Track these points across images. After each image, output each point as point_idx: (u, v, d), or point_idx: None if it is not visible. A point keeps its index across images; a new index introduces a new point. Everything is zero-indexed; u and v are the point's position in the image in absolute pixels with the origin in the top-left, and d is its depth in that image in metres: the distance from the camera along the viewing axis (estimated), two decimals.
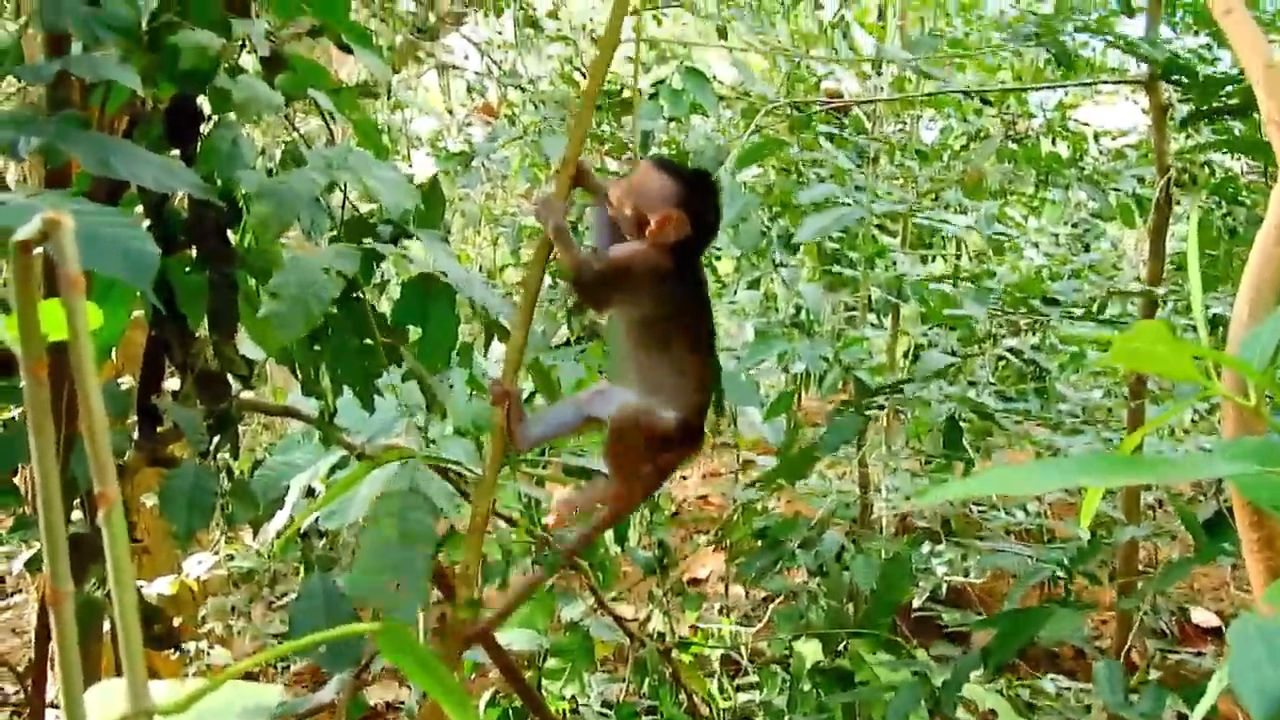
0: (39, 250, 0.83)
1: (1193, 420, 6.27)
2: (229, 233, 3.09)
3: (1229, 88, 4.71)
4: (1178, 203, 5.51)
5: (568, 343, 5.33)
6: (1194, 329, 1.64)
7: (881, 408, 5.59)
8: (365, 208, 3.43)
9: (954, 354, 5.49)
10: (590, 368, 4.77)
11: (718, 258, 6.85)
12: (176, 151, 3.03)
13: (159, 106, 3.05)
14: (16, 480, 3.40)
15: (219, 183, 2.88)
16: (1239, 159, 6.10)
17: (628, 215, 2.76)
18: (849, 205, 5.06)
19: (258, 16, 3.15)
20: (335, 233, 3.08)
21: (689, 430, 2.81)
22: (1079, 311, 5.32)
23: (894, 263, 6.08)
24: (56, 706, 3.62)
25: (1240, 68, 3.04)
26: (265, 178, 2.85)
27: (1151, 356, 1.36)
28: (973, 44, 6.61)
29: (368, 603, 2.89)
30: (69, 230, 0.83)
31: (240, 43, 3.11)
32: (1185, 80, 4.83)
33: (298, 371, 3.35)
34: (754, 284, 6.84)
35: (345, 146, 3.19)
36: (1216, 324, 4.77)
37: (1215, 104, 4.83)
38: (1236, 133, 5.41)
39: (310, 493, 4.15)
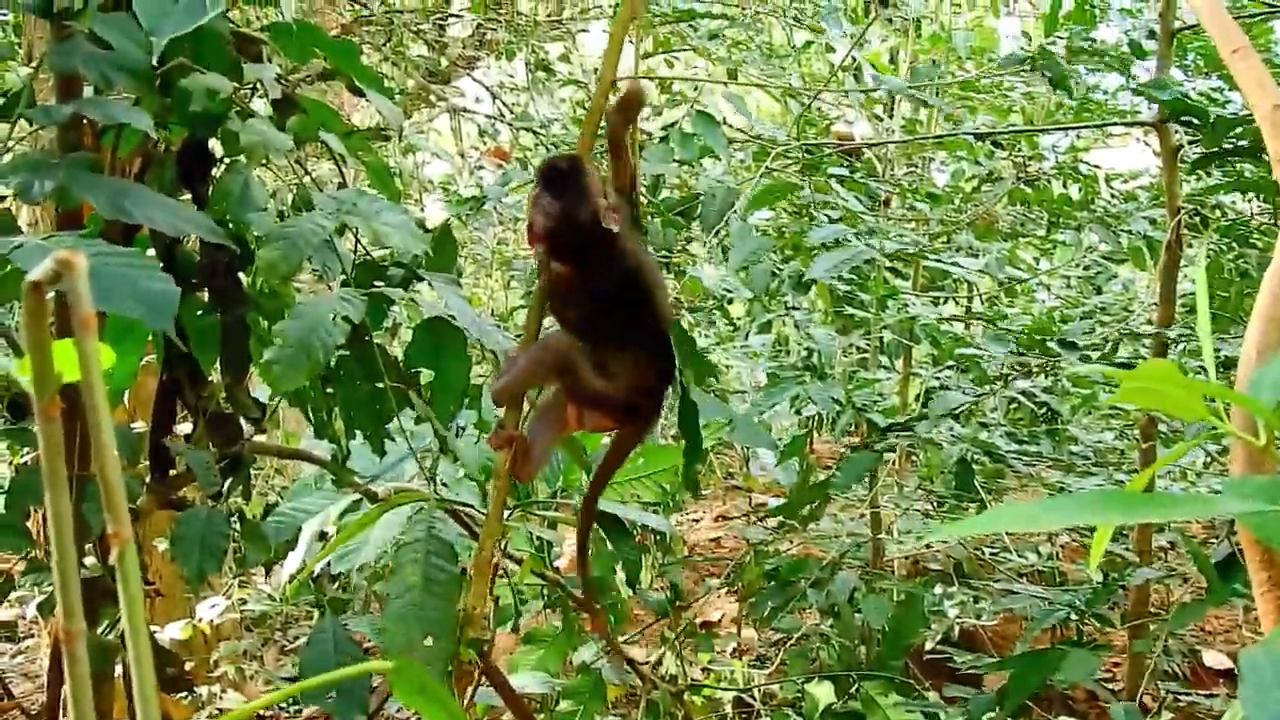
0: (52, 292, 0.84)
1: (1205, 463, 6.27)
2: (241, 275, 3.10)
3: (1239, 129, 4.72)
4: (1189, 245, 5.51)
5: None
6: (1204, 370, 1.64)
7: (893, 449, 5.59)
8: (379, 251, 3.44)
9: (965, 393, 5.49)
10: None
11: (729, 300, 6.86)
12: (188, 194, 3.04)
13: (170, 149, 3.07)
14: (29, 525, 3.40)
15: (230, 225, 2.89)
16: (1250, 200, 6.11)
17: None
18: (859, 244, 5.07)
19: (269, 60, 3.17)
20: (347, 276, 3.09)
21: (621, 406, 2.86)
22: (1094, 355, 5.32)
23: (905, 305, 6.08)
24: None
25: (1249, 109, 3.05)
26: (275, 222, 2.86)
27: (1160, 395, 1.36)
28: (985, 87, 6.62)
29: (398, 655, 2.88)
30: (82, 271, 0.83)
31: (252, 86, 3.13)
32: (1196, 122, 4.83)
33: (310, 415, 3.36)
34: (765, 327, 6.84)
35: (355, 190, 3.20)
36: (1228, 365, 4.77)
37: (1226, 145, 4.84)
38: (1247, 174, 5.42)
39: (323, 536, 4.15)
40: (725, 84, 7.23)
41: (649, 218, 5.18)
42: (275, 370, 2.66)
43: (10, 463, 5.10)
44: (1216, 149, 4.87)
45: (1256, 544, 1.75)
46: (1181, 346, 5.49)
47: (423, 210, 8.63)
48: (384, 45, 8.37)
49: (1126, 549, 5.45)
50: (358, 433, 3.25)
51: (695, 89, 6.17)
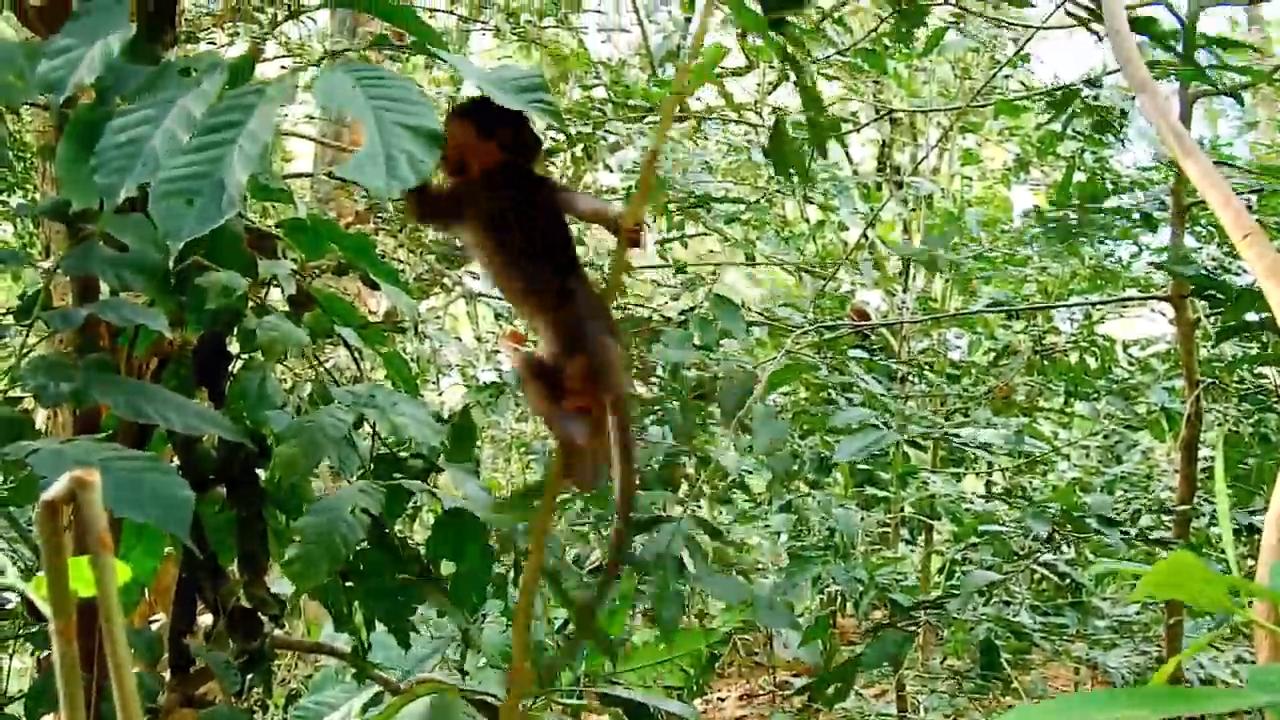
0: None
1: (1231, 629, 6.22)
2: (258, 471, 3.10)
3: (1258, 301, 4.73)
4: (1208, 411, 5.51)
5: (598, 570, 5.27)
6: (1226, 549, 1.64)
7: (918, 630, 5.55)
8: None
9: (989, 567, 5.47)
10: (626, 598, 4.74)
11: (750, 472, 6.82)
12: (205, 389, 3.05)
13: (187, 346, 3.08)
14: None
15: (248, 422, 2.90)
16: (1267, 373, 6.11)
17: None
18: (882, 428, 5.08)
19: (284, 255, 3.19)
20: (365, 469, 3.09)
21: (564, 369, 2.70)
22: (1117, 538, 5.28)
23: (925, 483, 6.07)
24: None
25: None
26: (293, 419, 2.87)
27: (1184, 589, 1.36)
28: (998, 262, 6.65)
29: None
30: (96, 488, 0.83)
31: (267, 281, 3.15)
32: (1214, 296, 4.84)
33: (330, 608, 3.35)
34: (786, 507, 6.82)
35: (373, 385, 3.21)
36: (1252, 532, 4.76)
37: (1244, 319, 4.84)
38: (1265, 339, 5.43)
39: None
40: (741, 264, 7.28)
41: (668, 402, 5.17)
42: (296, 568, 2.66)
43: (33, 653, 5.08)
44: (1234, 323, 4.87)
45: None
46: (1205, 519, 5.46)
47: (440, 394, 8.65)
48: (399, 232, 8.43)
49: None
50: (379, 624, 3.23)
51: (713, 271, 6.20)
